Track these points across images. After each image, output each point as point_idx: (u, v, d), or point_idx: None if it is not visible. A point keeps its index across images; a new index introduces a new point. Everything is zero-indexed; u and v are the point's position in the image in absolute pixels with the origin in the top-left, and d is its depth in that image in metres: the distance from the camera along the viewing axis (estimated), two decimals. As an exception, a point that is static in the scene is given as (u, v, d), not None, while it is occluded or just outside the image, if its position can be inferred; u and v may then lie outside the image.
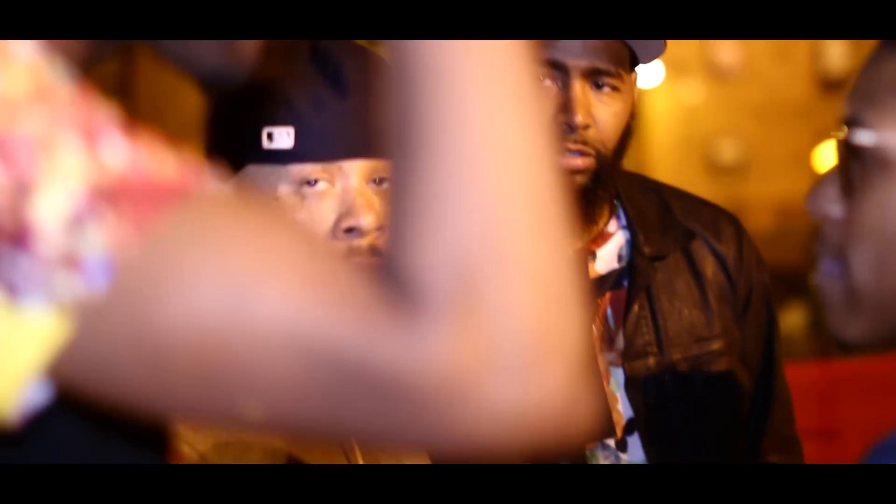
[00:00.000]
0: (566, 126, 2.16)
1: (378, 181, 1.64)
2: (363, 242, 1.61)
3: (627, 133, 2.25)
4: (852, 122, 1.19)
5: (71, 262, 0.72)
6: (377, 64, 1.67)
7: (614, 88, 2.18)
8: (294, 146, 1.63)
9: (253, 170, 1.66)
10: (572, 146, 2.17)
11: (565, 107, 2.16)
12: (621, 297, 2.30)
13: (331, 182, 1.63)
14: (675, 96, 22.71)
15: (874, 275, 1.18)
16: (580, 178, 2.19)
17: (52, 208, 0.72)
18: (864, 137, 1.18)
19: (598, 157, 2.19)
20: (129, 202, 0.73)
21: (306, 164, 1.62)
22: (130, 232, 0.73)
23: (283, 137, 1.63)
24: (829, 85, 35.77)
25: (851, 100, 1.21)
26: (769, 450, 2.35)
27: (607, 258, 2.31)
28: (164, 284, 0.72)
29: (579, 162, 2.18)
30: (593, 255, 2.31)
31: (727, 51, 32.17)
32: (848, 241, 1.20)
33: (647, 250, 2.30)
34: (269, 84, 1.63)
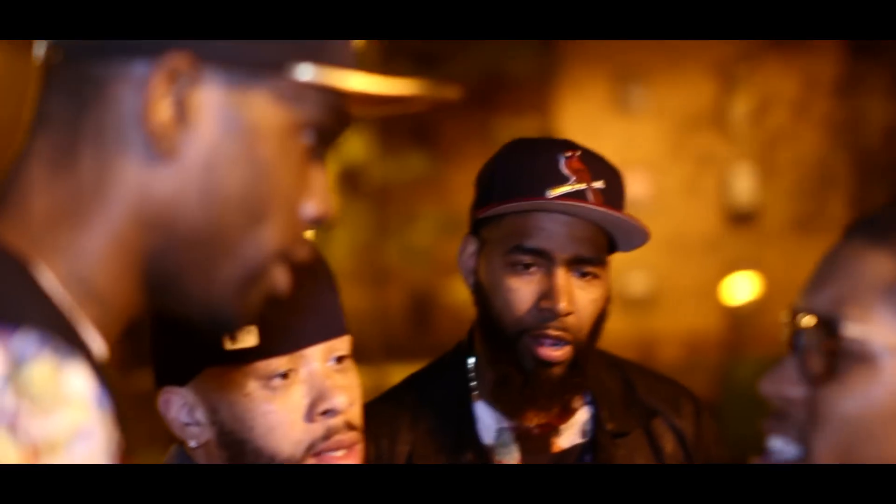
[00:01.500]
0: (548, 313, 2.19)
1: (337, 359, 1.71)
2: (339, 421, 1.68)
3: (602, 318, 2.28)
4: (830, 317, 1.24)
5: None
6: (319, 256, 1.74)
7: (595, 276, 2.22)
8: (258, 343, 1.66)
9: (212, 371, 1.69)
10: (553, 333, 2.20)
11: (548, 294, 2.19)
12: None
13: (296, 370, 1.69)
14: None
15: (837, 459, 1.23)
16: (558, 370, 2.22)
17: None
18: (849, 331, 1.23)
19: (576, 344, 2.23)
20: None
21: (272, 358, 1.67)
22: None
23: (246, 337, 1.66)
24: (736, 218, 36.44)
25: (823, 293, 1.27)
26: None
27: (571, 433, 2.33)
28: None
29: (559, 353, 2.21)
30: (557, 430, 2.33)
31: (637, 183, 32.68)
32: (812, 424, 1.25)
33: (609, 427, 2.32)
34: None
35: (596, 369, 2.37)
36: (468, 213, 2.31)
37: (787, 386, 1.27)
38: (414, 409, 2.35)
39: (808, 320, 1.26)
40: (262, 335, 1.67)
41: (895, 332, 1.22)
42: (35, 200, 1.04)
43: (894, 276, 1.23)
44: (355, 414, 1.71)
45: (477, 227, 2.29)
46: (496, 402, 2.32)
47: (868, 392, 1.22)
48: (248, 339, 1.66)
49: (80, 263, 1.04)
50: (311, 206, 1.11)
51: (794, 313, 1.28)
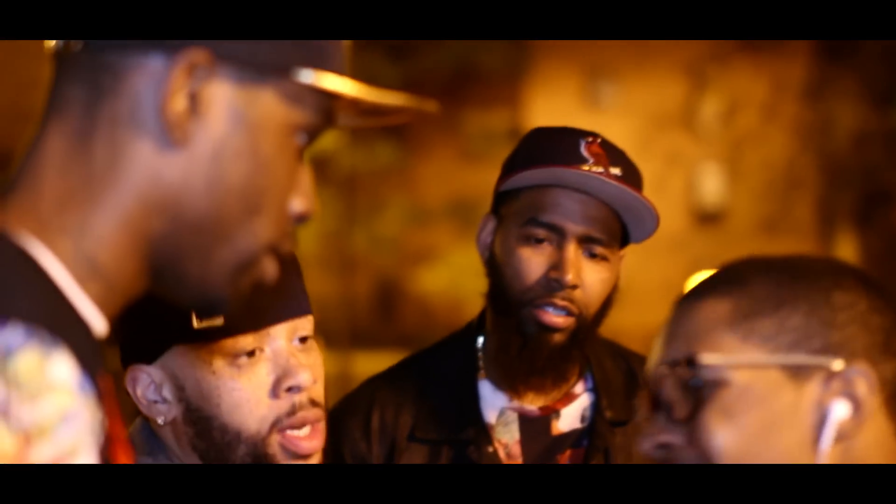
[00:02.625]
0: (556, 283, 2.27)
1: (301, 339, 1.76)
2: (304, 397, 1.72)
3: (609, 302, 2.36)
4: (685, 357, 1.39)
5: None
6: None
7: (603, 258, 2.31)
8: (224, 323, 1.70)
9: (179, 350, 1.73)
10: (559, 302, 2.28)
11: (557, 266, 2.27)
12: (580, 455, 2.37)
13: (261, 348, 1.73)
14: (553, 225, 22.95)
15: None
16: (558, 337, 2.29)
17: None
18: (704, 361, 1.38)
19: (579, 318, 2.30)
20: None
21: (238, 336, 1.71)
22: None
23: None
24: (703, 217, 36.52)
25: (673, 346, 1.42)
26: None
27: (571, 418, 2.38)
28: None
29: (561, 320, 2.28)
30: (557, 413, 2.38)
31: (604, 181, 32.63)
32: (700, 461, 1.37)
33: (608, 414, 2.38)
34: None
35: (600, 357, 2.44)
36: (492, 194, 2.39)
37: (662, 436, 1.40)
38: (420, 383, 2.40)
39: (665, 370, 1.41)
40: (228, 314, 1.68)
41: (743, 353, 1.37)
42: (48, 183, 1.10)
43: (732, 311, 1.39)
44: (318, 392, 1.75)
45: (497, 205, 2.37)
46: (498, 374, 2.37)
47: (738, 416, 1.36)
48: (215, 318, 1.70)
49: (87, 242, 1.10)
50: (299, 203, 1.18)
51: (652, 374, 1.43)
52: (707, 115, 33.90)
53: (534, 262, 2.30)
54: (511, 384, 2.36)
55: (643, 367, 2.46)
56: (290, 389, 1.72)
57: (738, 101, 31.34)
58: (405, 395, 2.39)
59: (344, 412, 2.40)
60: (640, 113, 33.72)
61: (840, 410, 1.35)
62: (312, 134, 1.18)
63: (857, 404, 1.35)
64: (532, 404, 2.37)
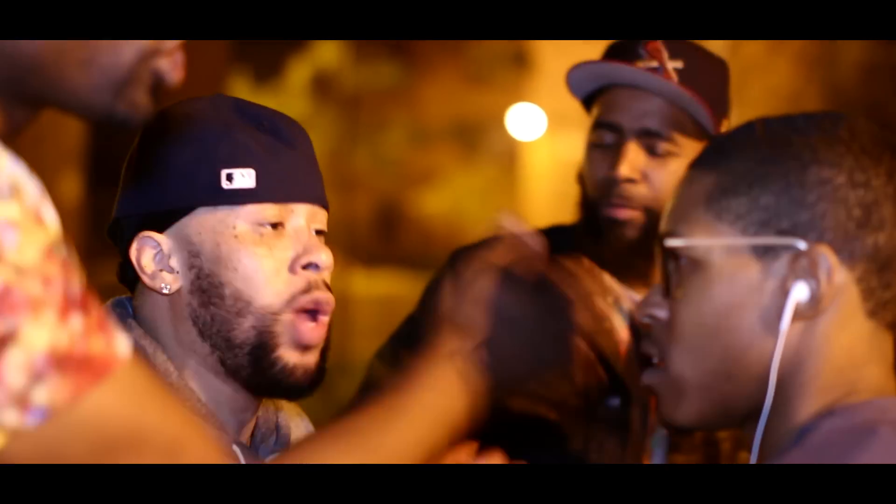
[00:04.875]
0: (613, 179, 2.29)
1: (317, 231, 1.74)
2: (320, 277, 1.71)
3: None
4: (669, 235, 1.41)
5: (21, 402, 1.01)
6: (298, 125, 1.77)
7: (672, 154, 2.30)
8: (254, 187, 1.69)
9: (201, 212, 1.71)
10: (616, 199, 2.30)
11: (614, 163, 2.29)
12: None
13: (284, 224, 1.72)
14: (555, 150, 22.88)
15: (691, 364, 1.39)
16: (629, 231, 2.31)
17: (20, 361, 1.00)
18: (677, 244, 1.39)
19: (647, 211, 2.30)
20: (72, 372, 1.03)
21: (265, 204, 1.70)
22: (66, 397, 1.03)
23: (243, 178, 1.69)
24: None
25: (668, 217, 1.43)
26: None
27: None
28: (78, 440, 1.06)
29: (623, 213, 2.30)
30: None
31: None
32: (669, 338, 1.40)
33: None
34: (220, 128, 1.70)
35: None
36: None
37: (652, 308, 1.43)
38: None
39: (658, 244, 1.42)
40: (260, 181, 1.70)
41: (718, 235, 1.38)
42: None
43: (712, 188, 1.39)
44: (329, 289, 1.74)
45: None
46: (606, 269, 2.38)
47: (705, 294, 1.37)
48: (245, 180, 1.70)
49: None
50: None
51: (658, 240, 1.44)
52: (714, 44, 33.67)
53: (598, 163, 2.33)
54: (614, 274, 2.38)
55: None
56: (307, 266, 1.70)
57: (745, 31, 31.11)
58: None
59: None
60: (646, 39, 33.48)
61: (800, 291, 1.34)
62: None
63: (817, 285, 1.34)
64: (638, 294, 2.37)
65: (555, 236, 2.45)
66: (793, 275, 1.35)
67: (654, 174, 2.30)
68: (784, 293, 1.35)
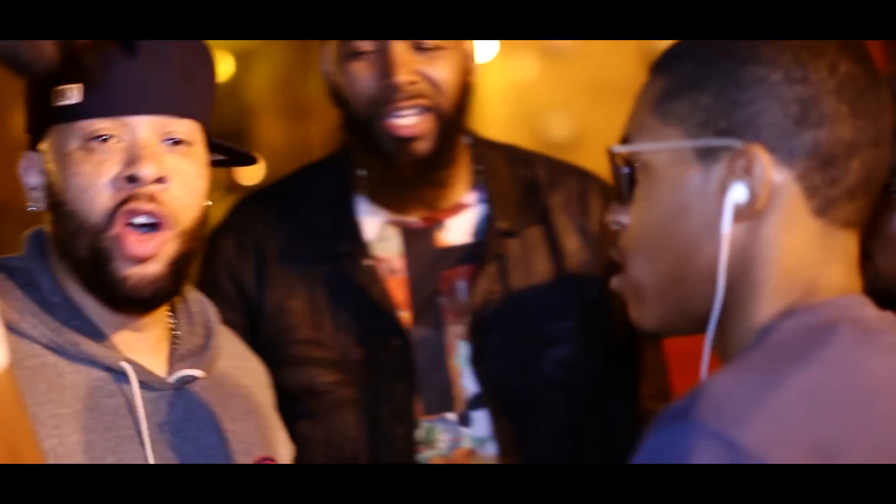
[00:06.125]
0: (391, 87, 2.16)
1: (172, 141, 1.70)
2: (143, 190, 1.67)
3: (466, 90, 2.24)
4: (624, 140, 1.40)
5: None
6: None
7: (437, 47, 2.18)
8: (81, 102, 1.67)
9: (53, 130, 1.70)
10: (404, 104, 2.17)
11: (385, 70, 2.16)
12: (469, 271, 2.28)
13: (118, 137, 1.68)
14: (508, 72, 22.77)
15: (646, 269, 1.38)
16: (422, 146, 2.19)
17: None
18: (621, 149, 1.39)
19: (438, 114, 2.18)
20: None
21: (94, 119, 1.67)
22: None
23: (70, 94, 1.67)
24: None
25: (626, 123, 1.42)
26: (640, 423, 2.31)
27: (461, 230, 2.30)
28: None
29: (415, 121, 2.17)
30: (441, 224, 2.29)
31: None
32: (626, 242, 1.40)
33: (501, 225, 2.29)
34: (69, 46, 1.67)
35: (495, 164, 2.33)
36: None
37: (616, 214, 1.42)
38: (295, 201, 2.33)
39: (612, 148, 1.42)
40: (88, 95, 1.68)
41: (664, 139, 1.36)
42: None
43: (659, 92, 1.38)
44: (178, 202, 1.69)
45: None
46: (373, 191, 2.29)
47: (653, 198, 1.37)
48: (72, 95, 1.68)
49: None
50: None
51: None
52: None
53: (363, 75, 2.19)
54: (387, 200, 2.29)
55: (545, 172, 2.35)
56: (128, 178, 1.67)
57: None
58: (280, 213, 2.32)
59: (219, 230, 2.35)
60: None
61: (738, 192, 1.33)
62: None
63: (755, 184, 1.33)
64: (412, 215, 2.29)
65: (313, 177, 2.36)
66: (731, 175, 1.33)
67: (430, 71, 2.19)
68: (724, 195, 1.33)
